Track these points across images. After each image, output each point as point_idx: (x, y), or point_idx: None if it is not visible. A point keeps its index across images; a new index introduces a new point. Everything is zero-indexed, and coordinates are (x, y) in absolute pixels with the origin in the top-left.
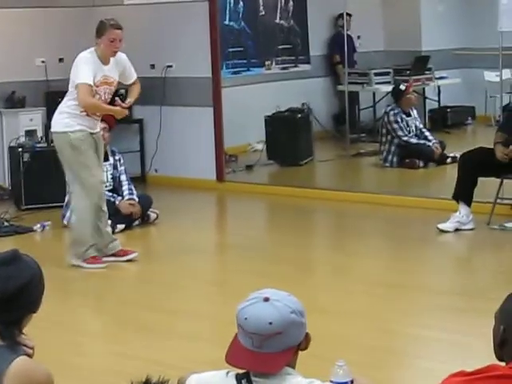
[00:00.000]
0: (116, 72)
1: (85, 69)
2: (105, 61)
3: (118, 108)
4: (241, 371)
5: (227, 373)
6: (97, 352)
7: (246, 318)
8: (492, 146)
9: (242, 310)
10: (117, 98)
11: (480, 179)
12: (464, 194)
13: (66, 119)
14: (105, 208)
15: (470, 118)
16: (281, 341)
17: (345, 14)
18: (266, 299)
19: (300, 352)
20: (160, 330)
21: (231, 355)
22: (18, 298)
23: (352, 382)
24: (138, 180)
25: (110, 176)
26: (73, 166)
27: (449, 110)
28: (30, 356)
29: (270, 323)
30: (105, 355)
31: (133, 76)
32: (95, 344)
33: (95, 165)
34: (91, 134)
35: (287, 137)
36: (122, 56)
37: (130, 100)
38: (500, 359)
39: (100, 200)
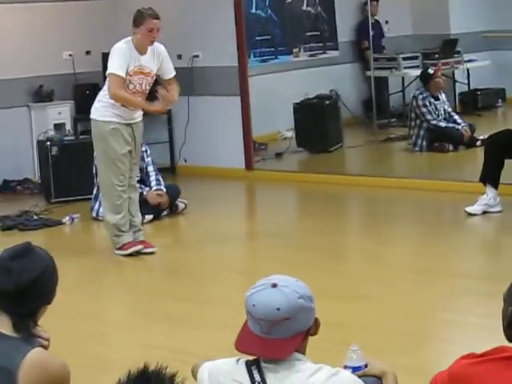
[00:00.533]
0: (153, 63)
1: (117, 59)
2: (141, 50)
3: (146, 105)
4: (251, 358)
5: (237, 360)
6: (122, 342)
7: (254, 305)
8: None
9: (251, 296)
10: (158, 87)
11: (507, 161)
12: (491, 176)
13: (102, 108)
14: (133, 195)
15: (500, 101)
16: (289, 326)
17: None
18: (274, 285)
19: (311, 337)
20: (188, 319)
21: (240, 342)
22: (32, 290)
23: (366, 366)
24: (168, 171)
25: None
26: (100, 155)
27: (479, 92)
28: (45, 348)
29: (278, 309)
30: (130, 345)
31: (171, 72)
32: (121, 334)
33: (121, 157)
34: (127, 124)
35: (316, 124)
36: (160, 47)
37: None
38: (510, 340)
39: (124, 188)
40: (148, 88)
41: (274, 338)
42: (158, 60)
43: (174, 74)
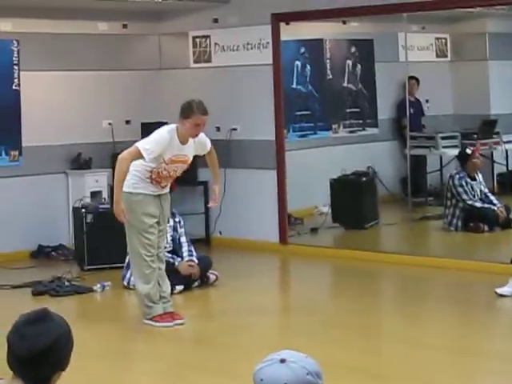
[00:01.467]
0: (193, 149)
1: (153, 144)
2: (183, 140)
3: (119, 205)
4: None
5: None
6: None
7: (262, 380)
8: None
9: (259, 371)
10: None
11: None
12: None
13: (132, 180)
14: (161, 266)
15: None
16: None
17: (407, 79)
18: (283, 360)
19: None
20: None
21: None
22: (47, 355)
23: None
24: (202, 242)
25: (169, 237)
26: (129, 225)
27: None
28: None
29: None
30: None
31: (207, 145)
32: None
33: (148, 229)
34: (155, 196)
35: (352, 200)
36: (201, 135)
37: (215, 187)
38: None
39: (153, 258)
40: (181, 173)
41: None
42: (197, 144)
43: (210, 145)
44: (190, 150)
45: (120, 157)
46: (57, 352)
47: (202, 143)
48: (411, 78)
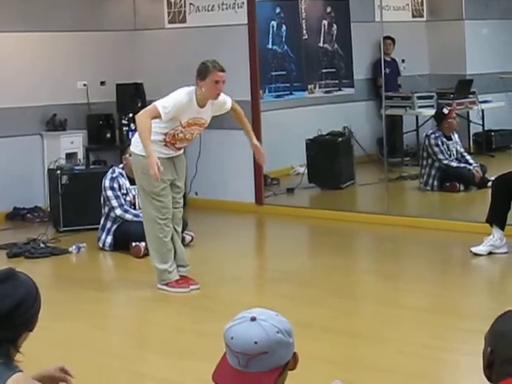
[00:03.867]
0: (210, 112)
1: (170, 103)
2: (202, 104)
3: (153, 159)
4: None
5: None
6: (116, 372)
7: (232, 338)
8: None
9: (229, 329)
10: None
11: None
12: (497, 217)
13: None
14: (178, 228)
15: None
16: (267, 360)
17: (382, 39)
18: (253, 319)
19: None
20: (183, 351)
21: (218, 374)
22: (13, 315)
23: None
24: None
25: None
26: (141, 188)
27: (493, 133)
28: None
29: (256, 342)
30: (124, 375)
31: (227, 104)
32: (116, 364)
33: (160, 192)
34: (168, 158)
35: (328, 160)
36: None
37: (255, 144)
38: (489, 380)
39: (166, 222)
40: (197, 136)
41: (251, 372)
42: (215, 106)
43: (230, 100)
44: (207, 113)
45: (137, 116)
46: (24, 312)
47: (220, 102)
48: (387, 37)
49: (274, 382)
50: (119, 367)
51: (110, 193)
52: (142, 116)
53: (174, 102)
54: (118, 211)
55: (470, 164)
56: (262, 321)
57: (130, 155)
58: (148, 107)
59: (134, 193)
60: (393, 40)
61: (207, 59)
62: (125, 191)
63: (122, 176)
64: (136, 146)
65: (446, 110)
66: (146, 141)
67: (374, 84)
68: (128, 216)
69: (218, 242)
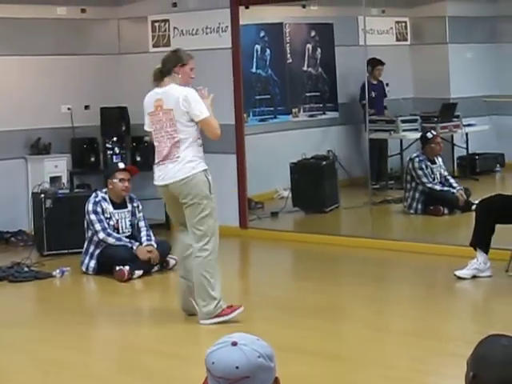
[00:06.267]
0: None
1: (202, 104)
2: None
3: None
4: None
5: None
6: None
7: (213, 363)
8: (510, 193)
9: (210, 354)
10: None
11: (499, 226)
12: (481, 241)
13: (195, 162)
14: None
15: (498, 166)
16: None
17: (365, 64)
18: (234, 343)
19: None
20: (166, 376)
21: None
22: None
23: None
24: (163, 227)
25: (128, 223)
26: (208, 212)
27: (477, 157)
28: None
29: (237, 367)
30: None
31: None
32: None
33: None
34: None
35: (312, 184)
36: None
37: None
38: None
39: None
40: None
41: None
42: None
43: None
44: None
45: (217, 132)
46: None
47: None
48: (379, 63)
49: None
50: None
51: (93, 217)
52: (219, 132)
53: (200, 100)
54: (101, 235)
55: (454, 187)
56: (244, 345)
57: (188, 180)
58: (211, 122)
59: (117, 217)
60: (382, 64)
61: (172, 50)
62: (108, 215)
63: (105, 200)
64: (189, 167)
65: (430, 135)
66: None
67: (362, 107)
68: (111, 240)
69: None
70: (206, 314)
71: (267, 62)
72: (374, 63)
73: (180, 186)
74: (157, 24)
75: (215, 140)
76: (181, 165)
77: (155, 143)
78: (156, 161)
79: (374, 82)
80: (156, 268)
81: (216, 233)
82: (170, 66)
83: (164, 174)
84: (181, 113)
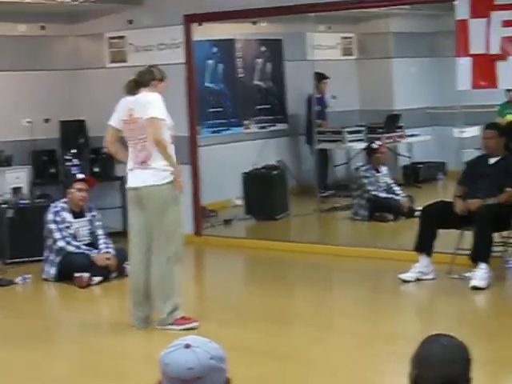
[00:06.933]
0: None
1: (162, 107)
2: None
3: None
4: None
5: None
6: None
7: (167, 364)
8: (452, 200)
9: (164, 355)
10: None
11: (441, 231)
12: (424, 245)
13: (162, 172)
14: None
15: (440, 174)
16: None
17: (314, 76)
18: (187, 346)
19: None
20: (123, 376)
21: None
22: None
23: None
24: (120, 235)
25: (87, 231)
26: (168, 223)
27: (420, 165)
28: None
29: (190, 368)
30: None
31: None
32: None
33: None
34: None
35: (263, 193)
36: None
37: None
38: None
39: None
40: None
41: None
42: None
43: None
44: None
45: (158, 138)
46: None
47: None
48: (325, 77)
49: None
50: None
51: (52, 226)
52: (161, 136)
53: (161, 105)
54: (61, 243)
55: (398, 195)
56: (196, 348)
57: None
58: (155, 125)
59: (76, 226)
60: (326, 78)
61: (153, 64)
62: (67, 224)
63: (65, 210)
64: (154, 177)
65: (375, 145)
66: (172, 158)
67: (308, 120)
68: (70, 248)
69: None
70: (163, 320)
71: (219, 77)
72: (319, 77)
73: (150, 191)
74: (113, 40)
75: (156, 144)
76: (154, 172)
77: (130, 148)
78: (130, 166)
79: (319, 95)
80: (114, 274)
81: (179, 240)
82: (149, 78)
83: (135, 179)
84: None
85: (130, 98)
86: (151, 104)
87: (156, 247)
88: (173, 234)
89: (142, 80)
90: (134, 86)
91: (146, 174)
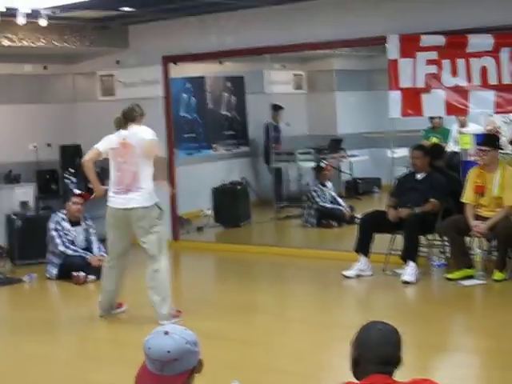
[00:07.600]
0: None
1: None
2: None
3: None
4: None
5: None
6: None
7: (149, 348)
8: (385, 209)
9: (147, 341)
10: None
11: (377, 235)
12: (363, 247)
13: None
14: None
15: (376, 188)
16: (178, 366)
17: (270, 107)
18: (166, 332)
19: (196, 375)
20: (118, 359)
21: (139, 378)
22: None
23: None
24: None
25: (83, 237)
26: (159, 235)
27: (359, 181)
28: None
29: (169, 352)
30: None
31: None
32: (66, 373)
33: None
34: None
35: (230, 204)
36: None
37: None
38: (356, 377)
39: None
40: None
41: (166, 375)
42: None
43: None
44: None
45: (160, 155)
46: None
47: None
48: (280, 108)
49: (184, 383)
50: (66, 374)
51: (54, 233)
52: (161, 154)
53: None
54: (62, 248)
55: (341, 205)
56: (174, 334)
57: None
58: (155, 145)
59: (74, 233)
60: (281, 108)
61: (136, 103)
62: (66, 232)
63: (64, 220)
64: (144, 199)
65: (322, 164)
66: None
67: (265, 143)
68: (69, 251)
69: (141, 273)
70: (165, 316)
71: (192, 108)
72: (275, 108)
73: (140, 212)
74: (104, 78)
75: (157, 160)
76: (144, 194)
77: (117, 173)
78: (117, 188)
79: (275, 123)
80: None
81: (164, 251)
82: (137, 115)
83: (126, 201)
84: (142, 149)
85: (123, 132)
86: (147, 131)
87: (150, 257)
88: (161, 243)
89: (130, 117)
90: (123, 121)
91: (136, 195)
